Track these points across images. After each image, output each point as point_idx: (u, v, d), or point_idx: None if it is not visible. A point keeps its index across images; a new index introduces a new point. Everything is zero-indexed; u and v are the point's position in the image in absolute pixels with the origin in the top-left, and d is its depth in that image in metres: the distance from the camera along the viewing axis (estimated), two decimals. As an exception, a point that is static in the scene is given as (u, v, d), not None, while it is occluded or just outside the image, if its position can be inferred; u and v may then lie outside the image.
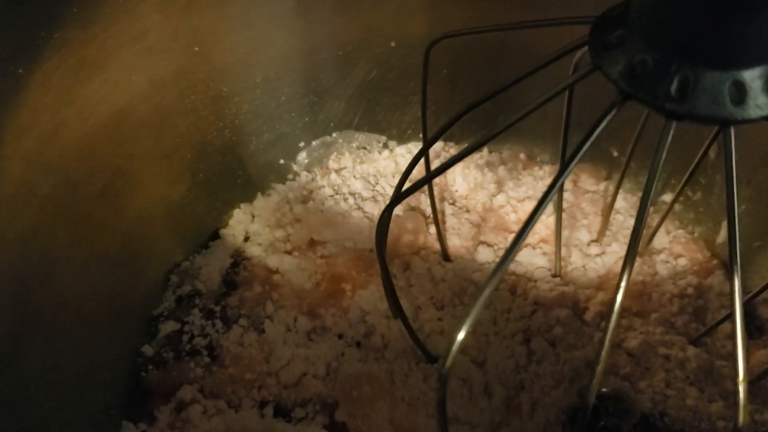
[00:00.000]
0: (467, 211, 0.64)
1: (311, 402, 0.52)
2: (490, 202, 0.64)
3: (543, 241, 0.61)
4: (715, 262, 0.60)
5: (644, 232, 0.34)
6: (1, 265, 0.41)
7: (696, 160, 0.49)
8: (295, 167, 0.69)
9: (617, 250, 0.60)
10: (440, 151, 0.70)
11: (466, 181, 0.65)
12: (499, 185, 0.65)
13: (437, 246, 0.60)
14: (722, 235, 0.59)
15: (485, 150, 0.69)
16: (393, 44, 0.64)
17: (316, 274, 0.59)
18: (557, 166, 0.63)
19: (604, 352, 0.28)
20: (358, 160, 0.69)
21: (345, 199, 0.65)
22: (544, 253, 0.60)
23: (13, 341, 0.41)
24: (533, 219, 0.28)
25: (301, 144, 0.68)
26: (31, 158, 0.43)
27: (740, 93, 0.26)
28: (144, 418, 0.51)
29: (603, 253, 0.60)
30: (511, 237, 0.62)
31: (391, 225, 0.46)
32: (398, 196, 0.40)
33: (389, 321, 0.55)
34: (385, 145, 0.71)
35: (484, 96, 0.35)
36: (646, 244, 0.60)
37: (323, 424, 0.50)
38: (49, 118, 0.44)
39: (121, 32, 0.48)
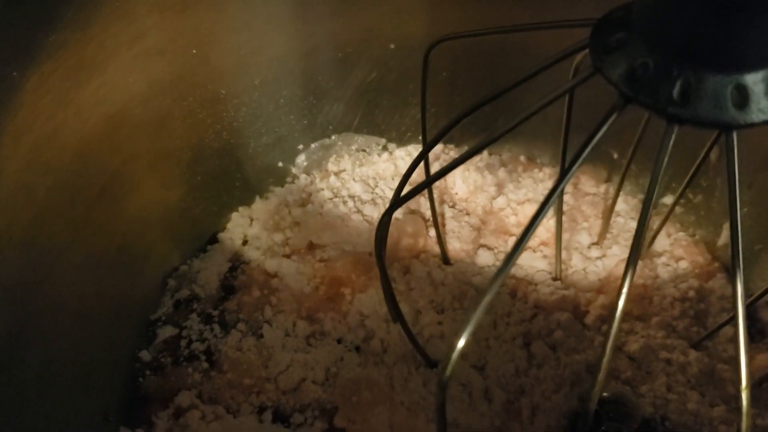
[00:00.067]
0: (467, 214, 0.64)
1: (310, 407, 0.51)
2: (490, 204, 0.64)
3: (543, 244, 0.61)
4: (716, 265, 0.59)
5: (645, 235, 0.34)
6: (-2, 266, 0.41)
7: (697, 162, 0.49)
8: (293, 170, 0.68)
9: (618, 253, 0.60)
10: (440, 154, 0.69)
11: (466, 183, 0.65)
12: (499, 188, 0.65)
13: (437, 249, 0.60)
14: (723, 237, 0.59)
15: (485, 152, 0.69)
16: (392, 46, 0.63)
17: (315, 278, 0.59)
18: (557, 168, 0.63)
19: (605, 360, 0.28)
20: (357, 162, 0.69)
21: (344, 202, 0.65)
22: (545, 256, 0.60)
23: (10, 343, 0.41)
24: (533, 226, 0.28)
25: (300, 146, 0.68)
26: (29, 160, 0.43)
27: (743, 97, 0.26)
28: (142, 424, 0.51)
29: (604, 256, 0.60)
30: (511, 240, 0.62)
31: (391, 228, 0.45)
32: (398, 200, 0.39)
33: (389, 325, 0.55)
34: (385, 148, 0.71)
35: (483, 100, 0.35)
36: (647, 247, 0.60)
37: (322, 429, 0.50)
38: (47, 120, 0.44)
39: (119, 34, 0.48)
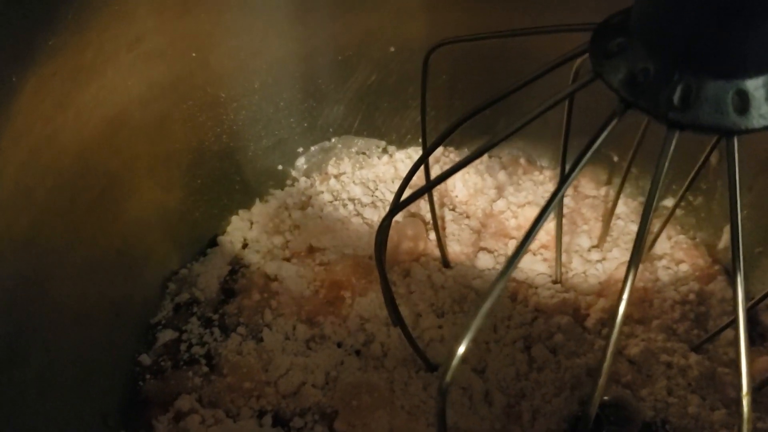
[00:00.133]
0: (467, 216, 0.64)
1: (310, 411, 0.51)
2: (491, 207, 0.64)
3: (543, 247, 0.61)
4: (716, 267, 0.59)
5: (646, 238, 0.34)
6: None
7: (697, 166, 0.48)
8: (293, 173, 0.68)
9: (618, 255, 0.59)
10: (440, 156, 0.69)
11: (466, 186, 0.65)
12: (500, 190, 0.65)
13: (437, 253, 0.60)
14: (724, 240, 0.59)
15: (485, 155, 0.69)
16: (392, 49, 0.63)
17: (315, 282, 0.59)
18: (557, 171, 0.63)
19: (606, 364, 0.27)
20: (357, 165, 0.69)
21: (344, 205, 0.65)
22: (545, 260, 0.60)
23: (10, 344, 0.41)
24: (533, 232, 0.28)
25: (300, 149, 0.68)
26: (29, 163, 0.43)
27: (743, 102, 0.26)
28: (142, 427, 0.51)
29: (604, 259, 0.60)
30: (511, 243, 0.61)
31: (391, 231, 0.45)
32: (398, 204, 0.39)
33: (389, 329, 0.55)
34: (385, 150, 0.71)
35: (483, 104, 0.35)
36: (648, 250, 0.59)
37: (322, 433, 0.50)
38: (47, 123, 0.44)
39: (118, 37, 0.48)
